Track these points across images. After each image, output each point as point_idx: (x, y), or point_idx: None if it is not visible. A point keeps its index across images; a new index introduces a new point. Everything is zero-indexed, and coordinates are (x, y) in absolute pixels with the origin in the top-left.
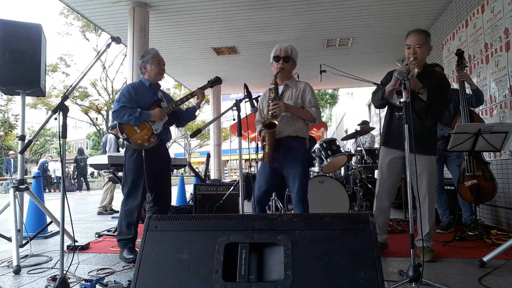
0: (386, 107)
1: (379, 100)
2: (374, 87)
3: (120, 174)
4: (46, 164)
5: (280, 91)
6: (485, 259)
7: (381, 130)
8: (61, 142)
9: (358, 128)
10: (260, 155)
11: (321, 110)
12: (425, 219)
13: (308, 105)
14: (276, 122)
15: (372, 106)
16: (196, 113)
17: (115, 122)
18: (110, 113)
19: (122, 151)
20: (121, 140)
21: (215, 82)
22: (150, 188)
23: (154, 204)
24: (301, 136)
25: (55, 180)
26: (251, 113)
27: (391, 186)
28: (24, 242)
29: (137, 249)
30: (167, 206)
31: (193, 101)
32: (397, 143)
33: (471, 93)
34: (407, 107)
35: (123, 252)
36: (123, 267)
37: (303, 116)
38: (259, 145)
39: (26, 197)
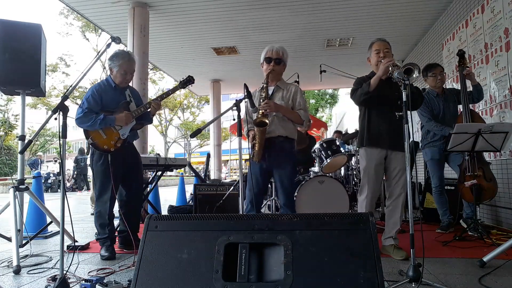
0: (362, 110)
1: (363, 94)
2: None
3: None
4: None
5: (270, 92)
6: (485, 259)
7: (359, 132)
8: (61, 142)
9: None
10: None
11: (320, 110)
12: (397, 216)
13: (298, 107)
14: (267, 121)
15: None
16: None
17: None
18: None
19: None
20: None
21: (188, 82)
22: (118, 190)
23: (125, 205)
24: (291, 137)
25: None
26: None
27: (379, 187)
28: (24, 242)
29: (136, 249)
30: (137, 207)
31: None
32: (380, 142)
33: (471, 89)
34: (406, 107)
35: (101, 250)
36: (119, 267)
37: (291, 117)
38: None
39: (26, 197)
